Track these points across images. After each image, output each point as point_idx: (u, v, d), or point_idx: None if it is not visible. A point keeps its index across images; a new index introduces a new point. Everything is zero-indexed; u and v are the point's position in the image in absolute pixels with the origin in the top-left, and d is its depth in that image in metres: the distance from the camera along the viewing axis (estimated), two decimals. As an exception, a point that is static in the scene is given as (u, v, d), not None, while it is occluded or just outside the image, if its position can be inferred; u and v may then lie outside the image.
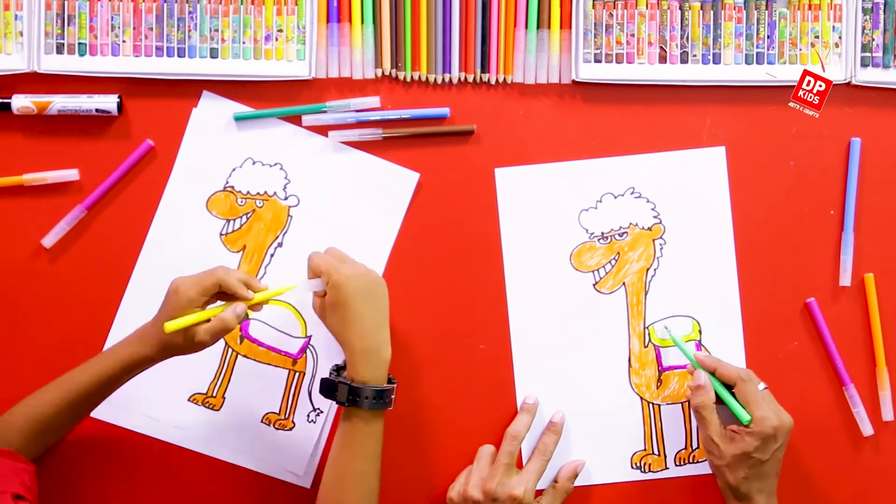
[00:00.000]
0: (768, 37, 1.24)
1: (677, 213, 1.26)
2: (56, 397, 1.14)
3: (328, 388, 1.15)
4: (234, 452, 1.24)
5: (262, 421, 1.24)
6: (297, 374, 1.24)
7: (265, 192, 1.24)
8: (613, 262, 1.26)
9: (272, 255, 1.24)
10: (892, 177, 1.26)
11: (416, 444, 1.24)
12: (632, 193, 1.26)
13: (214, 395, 1.24)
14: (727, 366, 1.20)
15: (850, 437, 1.26)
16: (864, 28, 1.24)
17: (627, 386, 1.26)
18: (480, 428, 1.24)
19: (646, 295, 1.26)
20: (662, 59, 1.24)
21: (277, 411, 1.24)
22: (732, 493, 1.16)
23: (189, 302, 1.10)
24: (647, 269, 1.26)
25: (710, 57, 1.24)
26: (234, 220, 1.24)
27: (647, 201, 1.26)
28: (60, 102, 1.21)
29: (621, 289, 1.26)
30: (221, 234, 1.24)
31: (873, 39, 1.25)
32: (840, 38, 1.25)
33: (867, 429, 1.25)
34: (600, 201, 1.26)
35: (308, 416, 1.24)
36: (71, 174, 1.22)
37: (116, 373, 1.12)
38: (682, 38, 1.24)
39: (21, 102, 1.21)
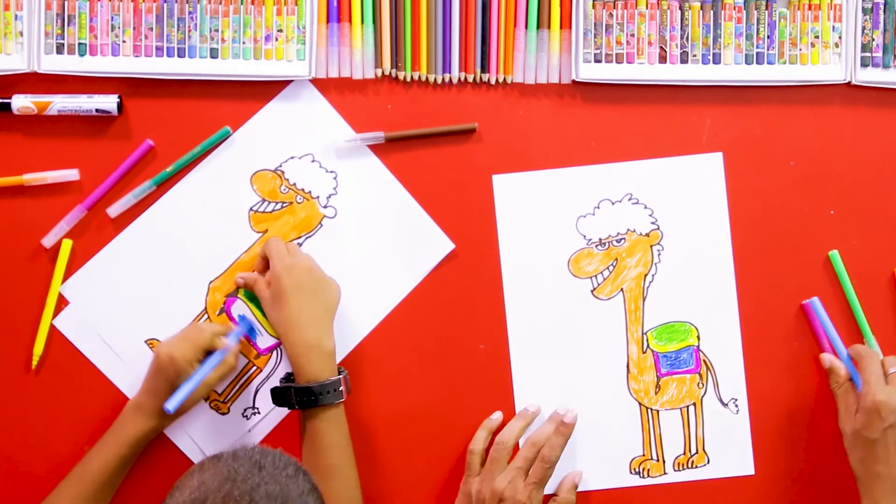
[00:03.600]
0: (768, 37, 1.24)
1: (675, 220, 1.26)
2: (71, 493, 1.14)
3: (279, 396, 1.16)
4: None
5: None
6: (255, 367, 1.24)
7: (310, 192, 1.25)
8: (611, 268, 1.25)
9: None
10: (892, 177, 1.26)
11: (414, 447, 1.24)
12: (629, 200, 1.26)
13: None
14: (857, 346, 1.22)
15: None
16: (864, 28, 1.24)
17: (626, 391, 1.25)
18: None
19: (644, 301, 1.25)
20: (662, 59, 1.24)
21: (219, 392, 1.23)
22: (858, 481, 1.15)
23: (189, 364, 1.14)
24: (645, 276, 1.25)
25: (710, 57, 1.24)
26: (270, 202, 1.24)
27: (645, 207, 1.26)
28: (60, 102, 1.21)
29: (619, 295, 1.26)
30: (251, 209, 1.24)
31: (873, 39, 1.24)
32: (840, 38, 1.25)
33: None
34: (598, 207, 1.26)
35: (245, 411, 1.24)
36: (71, 174, 1.22)
37: (126, 454, 1.15)
38: (682, 38, 1.24)
39: (21, 102, 1.21)
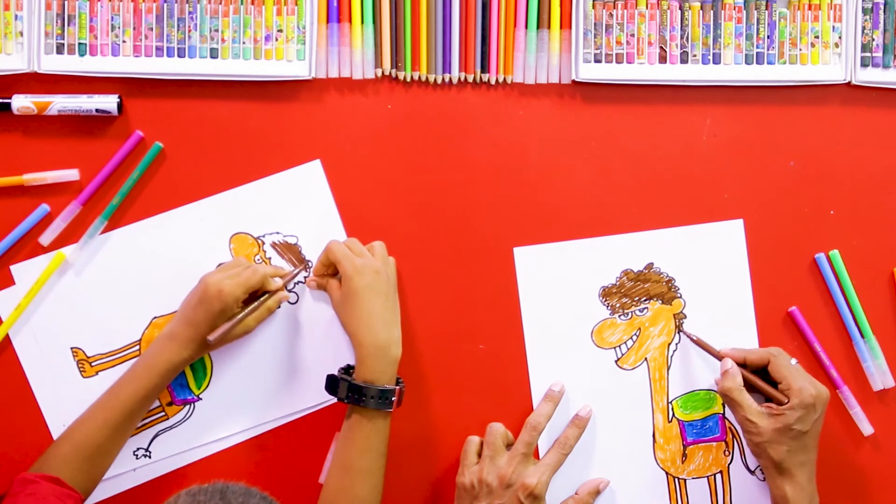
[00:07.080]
0: (768, 37, 1.24)
1: (697, 288, 1.25)
2: (100, 419, 1.13)
3: (331, 385, 1.16)
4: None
5: None
6: (163, 413, 1.22)
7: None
8: (635, 338, 1.25)
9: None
10: (892, 177, 1.26)
11: (413, 443, 1.24)
12: (651, 269, 1.25)
13: None
14: (754, 350, 1.21)
15: (851, 438, 1.26)
16: (864, 28, 1.24)
17: (652, 461, 1.25)
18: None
19: (668, 370, 1.25)
20: (662, 59, 1.24)
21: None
22: (776, 468, 1.14)
23: (235, 301, 1.14)
24: (669, 344, 1.25)
25: (710, 57, 1.24)
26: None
27: (667, 276, 1.26)
28: (60, 102, 1.21)
29: (643, 364, 1.25)
30: (219, 265, 1.22)
31: (873, 39, 1.24)
32: (840, 38, 1.25)
33: (867, 428, 1.25)
34: (620, 277, 1.25)
35: (136, 450, 1.22)
36: (71, 174, 1.22)
37: (156, 383, 1.14)
38: (682, 38, 1.24)
39: (21, 102, 1.21)
